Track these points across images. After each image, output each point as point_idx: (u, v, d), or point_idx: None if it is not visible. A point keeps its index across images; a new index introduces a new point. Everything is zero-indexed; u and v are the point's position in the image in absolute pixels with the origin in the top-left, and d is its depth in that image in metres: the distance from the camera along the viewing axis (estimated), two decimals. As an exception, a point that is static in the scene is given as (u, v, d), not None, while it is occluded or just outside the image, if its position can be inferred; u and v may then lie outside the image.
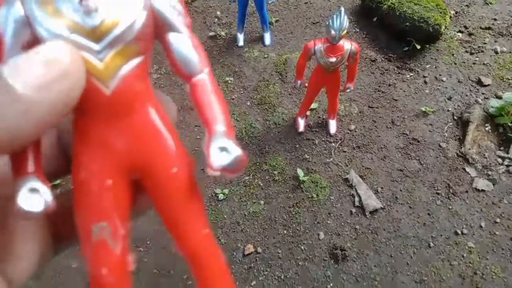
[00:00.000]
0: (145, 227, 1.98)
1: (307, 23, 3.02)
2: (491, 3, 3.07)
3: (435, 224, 1.98)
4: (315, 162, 2.22)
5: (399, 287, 1.81)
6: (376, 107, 2.46)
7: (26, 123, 0.19)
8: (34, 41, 0.22)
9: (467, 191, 2.09)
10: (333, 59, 1.84)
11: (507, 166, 2.15)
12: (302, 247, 1.94)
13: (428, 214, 2.02)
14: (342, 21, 1.71)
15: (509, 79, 2.55)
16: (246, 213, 2.06)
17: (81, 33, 0.22)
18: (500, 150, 2.23)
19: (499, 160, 2.18)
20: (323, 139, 2.31)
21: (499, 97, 2.40)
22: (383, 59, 2.72)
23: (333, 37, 1.74)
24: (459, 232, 1.95)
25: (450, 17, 2.86)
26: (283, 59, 2.74)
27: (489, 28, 2.88)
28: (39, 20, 0.22)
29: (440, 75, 2.62)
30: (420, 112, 2.42)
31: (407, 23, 2.65)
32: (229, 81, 2.62)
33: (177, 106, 0.36)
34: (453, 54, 2.73)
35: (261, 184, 2.15)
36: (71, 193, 0.27)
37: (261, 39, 2.88)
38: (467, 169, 2.16)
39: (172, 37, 0.26)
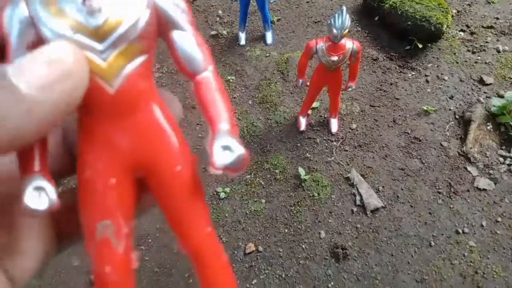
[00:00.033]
0: (146, 226, 1.98)
1: (308, 22, 3.02)
2: (493, 2, 3.06)
3: (436, 223, 1.98)
4: (316, 161, 2.22)
5: (400, 286, 1.81)
6: (378, 106, 2.46)
7: (29, 123, 0.20)
8: (38, 42, 0.22)
9: (468, 190, 2.08)
10: (335, 58, 1.84)
11: (509, 165, 2.15)
12: (303, 246, 1.94)
13: (429, 213, 2.02)
14: (344, 20, 1.71)
15: (511, 78, 2.54)
16: (247, 212, 2.06)
17: (85, 33, 0.22)
18: (501, 149, 2.22)
19: (501, 159, 2.18)
20: (325, 138, 2.31)
21: (501, 96, 2.39)
22: (384, 58, 2.72)
23: (335, 36, 1.74)
24: (460, 231, 1.95)
25: (452, 16, 2.85)
26: (285, 58, 2.73)
27: (491, 27, 2.87)
28: (43, 21, 0.22)
29: (442, 74, 2.61)
30: (422, 111, 2.42)
31: (409, 22, 2.65)
32: (231, 80, 2.62)
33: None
34: (455, 53, 2.73)
35: (263, 183, 2.15)
36: (73, 191, 0.27)
37: (262, 38, 2.88)
38: (469, 168, 2.16)
39: (176, 35, 0.26)
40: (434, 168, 2.17)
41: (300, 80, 2.05)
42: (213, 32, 2.94)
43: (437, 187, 2.10)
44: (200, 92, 0.27)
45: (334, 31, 1.72)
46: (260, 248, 1.93)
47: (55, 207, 0.23)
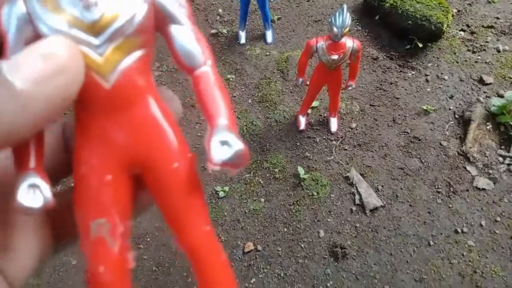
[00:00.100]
0: (145, 224, 1.98)
1: (309, 21, 3.02)
2: (493, 2, 3.05)
3: (435, 223, 1.98)
4: (315, 160, 2.22)
5: (399, 285, 1.81)
6: (378, 105, 2.46)
7: (24, 118, 0.19)
8: (36, 38, 0.22)
9: (467, 190, 2.08)
10: (335, 57, 1.84)
11: (508, 165, 2.15)
12: (302, 245, 1.94)
13: (429, 212, 2.02)
14: (345, 18, 1.70)
15: (511, 78, 2.54)
16: (246, 211, 2.06)
17: (81, 28, 0.22)
18: (501, 149, 2.22)
19: (500, 159, 2.18)
20: (324, 137, 2.31)
21: (501, 96, 2.39)
22: (385, 57, 2.72)
23: (335, 34, 1.74)
24: (459, 230, 1.95)
25: (453, 15, 2.85)
26: (285, 57, 2.73)
27: (491, 27, 2.87)
28: (40, 17, 0.22)
29: (442, 73, 2.61)
30: (422, 110, 2.42)
31: (409, 22, 2.64)
32: (231, 79, 2.62)
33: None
34: (455, 53, 2.73)
35: (262, 182, 2.15)
36: (71, 190, 0.27)
37: (263, 37, 2.88)
38: (468, 168, 2.16)
39: (174, 29, 0.26)
40: (433, 168, 2.17)
41: (300, 79, 2.05)
42: (213, 31, 2.93)
43: (437, 187, 2.10)
44: (198, 87, 0.26)
45: (335, 29, 1.72)
46: (259, 247, 1.93)
47: (49, 206, 0.23)
